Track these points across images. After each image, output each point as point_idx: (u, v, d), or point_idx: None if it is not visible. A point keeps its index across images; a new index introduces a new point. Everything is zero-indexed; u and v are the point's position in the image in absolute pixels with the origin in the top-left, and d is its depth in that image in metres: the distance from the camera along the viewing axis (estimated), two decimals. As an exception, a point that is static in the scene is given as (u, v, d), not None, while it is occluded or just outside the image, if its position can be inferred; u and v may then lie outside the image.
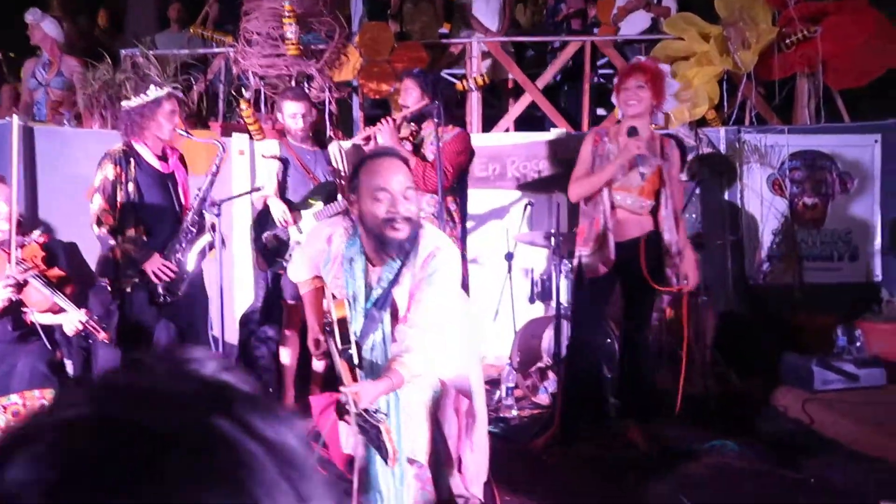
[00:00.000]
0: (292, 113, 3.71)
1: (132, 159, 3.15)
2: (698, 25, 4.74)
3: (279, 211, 3.63)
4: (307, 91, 4.56)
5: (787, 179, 4.66)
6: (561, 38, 5.39)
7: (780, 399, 3.72)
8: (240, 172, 4.53)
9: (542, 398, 3.86)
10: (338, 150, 3.90)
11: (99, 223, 3.15)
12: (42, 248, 3.22)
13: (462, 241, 3.62)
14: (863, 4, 4.76)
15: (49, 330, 3.11)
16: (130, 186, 3.13)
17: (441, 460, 2.13)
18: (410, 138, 3.64)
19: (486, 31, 5.26)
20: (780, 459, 3.07)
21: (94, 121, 4.68)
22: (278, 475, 0.39)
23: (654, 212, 3.18)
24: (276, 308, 3.88)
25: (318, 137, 3.97)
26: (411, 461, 2.01)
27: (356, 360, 1.89)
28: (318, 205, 3.64)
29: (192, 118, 4.82)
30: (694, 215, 4.08)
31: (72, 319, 2.88)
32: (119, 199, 3.12)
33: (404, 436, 1.98)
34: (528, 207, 4.40)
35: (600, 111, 5.42)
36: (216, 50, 5.06)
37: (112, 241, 3.15)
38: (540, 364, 3.96)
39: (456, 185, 3.60)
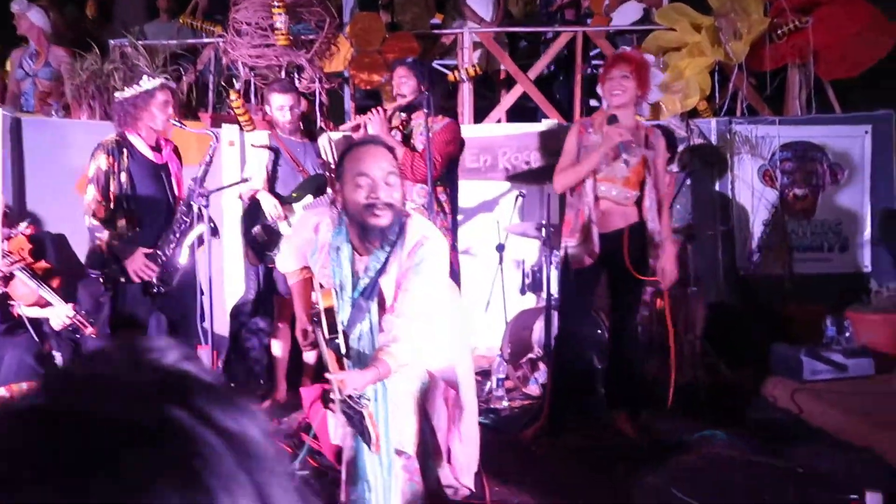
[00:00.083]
0: (280, 105, 3.70)
1: (125, 150, 3.15)
2: (690, 16, 4.74)
3: (270, 205, 3.62)
4: (297, 82, 4.54)
5: (777, 170, 4.67)
6: (553, 29, 5.37)
7: (769, 389, 3.74)
8: (230, 163, 4.51)
9: (533, 389, 3.87)
10: (327, 142, 3.88)
11: (93, 214, 3.15)
12: (29, 240, 3.20)
13: (453, 233, 3.62)
14: (854, -5, 4.77)
15: (36, 322, 3.09)
16: (123, 177, 3.14)
17: (429, 451, 2.13)
18: (400, 128, 3.62)
19: (480, 20, 5.23)
20: (768, 449, 3.08)
21: (83, 111, 4.64)
22: (237, 467, 0.39)
23: (640, 202, 3.18)
24: (268, 300, 3.87)
25: (307, 129, 3.96)
26: (399, 452, 2.01)
27: (343, 350, 1.88)
28: (308, 198, 3.62)
29: (181, 109, 4.79)
30: (679, 206, 4.07)
31: (59, 314, 2.87)
32: (112, 189, 3.12)
33: (392, 426, 1.98)
34: (520, 198, 4.40)
35: (593, 102, 5.41)
36: (206, 40, 5.02)
37: (101, 233, 3.13)
38: (531, 355, 3.97)
39: (446, 176, 3.59)
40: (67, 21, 5.54)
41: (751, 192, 4.69)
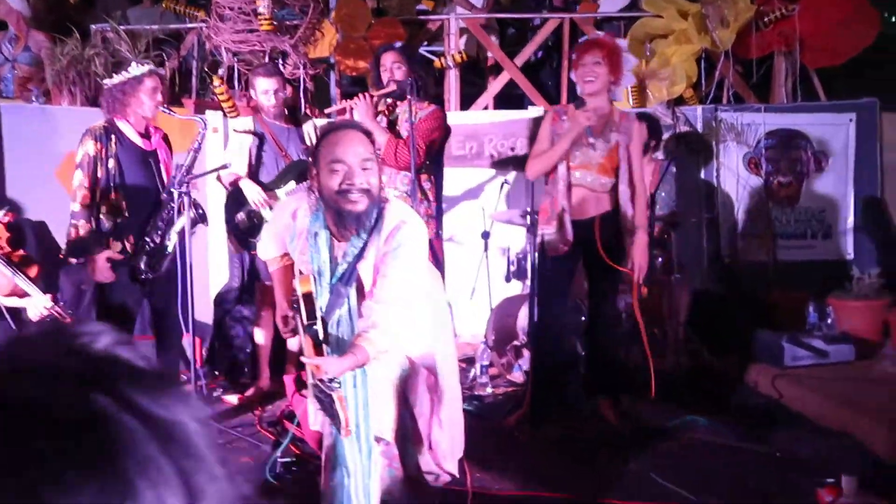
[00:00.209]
0: (264, 89, 3.67)
1: (114, 136, 3.15)
2: (677, 3, 4.72)
3: (254, 192, 3.59)
4: (281, 67, 4.49)
5: (762, 158, 4.68)
6: (540, 16, 5.34)
7: (751, 375, 3.77)
8: (213, 150, 4.47)
9: (517, 376, 3.88)
10: (313, 128, 3.85)
11: (79, 201, 3.14)
12: (7, 228, 3.16)
13: (438, 220, 3.60)
14: (840, -18, 4.77)
15: (15, 312, 3.06)
16: (111, 163, 3.13)
17: (408, 437, 2.13)
18: (386, 112, 3.60)
19: (470, 6, 5.20)
20: (748, 435, 3.11)
21: (64, 97, 4.58)
22: (159, 453, 0.38)
23: (616, 189, 3.18)
24: (252, 288, 3.86)
25: (292, 115, 3.93)
26: (378, 439, 2.01)
27: (321, 336, 1.88)
28: (291, 184, 3.60)
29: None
30: (664, 193, 4.08)
31: (36, 304, 2.84)
32: (100, 175, 3.11)
33: (371, 413, 1.98)
34: (505, 186, 4.40)
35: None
36: (189, 25, 4.96)
37: (78, 220, 3.10)
38: (515, 342, 3.98)
39: (432, 164, 3.57)
40: (47, 4, 5.45)
41: (736, 179, 4.70)
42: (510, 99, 5.24)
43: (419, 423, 2.19)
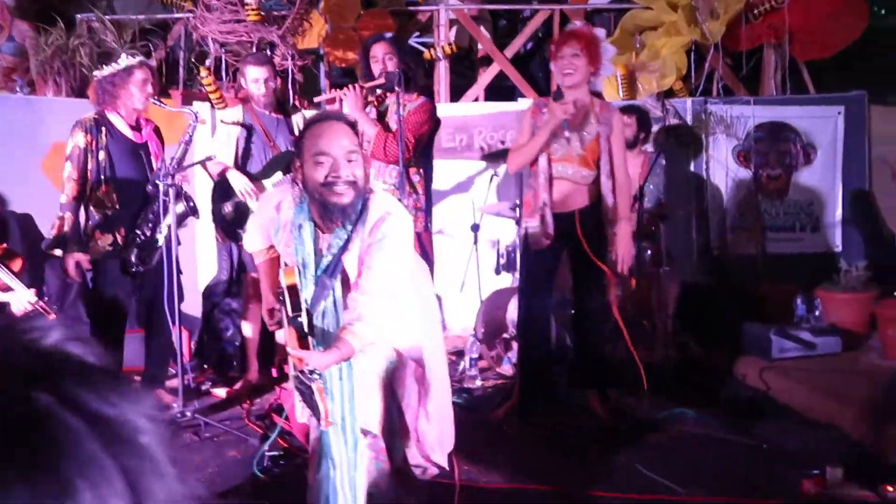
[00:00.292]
0: (255, 78, 3.64)
1: (104, 128, 3.14)
2: (667, -5, 4.71)
3: (241, 183, 3.57)
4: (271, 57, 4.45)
5: (752, 151, 4.69)
6: (530, 7, 5.32)
7: (739, 368, 3.79)
8: (201, 142, 4.43)
9: (507, 369, 3.88)
10: (301, 120, 3.82)
11: (69, 192, 3.13)
12: (-10, 219, 3.12)
13: (427, 213, 3.58)
14: (830, -25, 4.77)
15: (-1, 304, 3.02)
16: (101, 155, 3.13)
17: (395, 430, 2.13)
18: (375, 103, 3.57)
19: (463, -2, 5.16)
20: (736, 427, 3.12)
21: (48, 88, 4.53)
22: (102, 451, 0.37)
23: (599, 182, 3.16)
24: (241, 280, 3.84)
25: (281, 106, 3.89)
26: (364, 431, 2.00)
27: (306, 328, 1.87)
28: (279, 175, 3.58)
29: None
30: (652, 186, 4.08)
31: (20, 299, 2.81)
32: (90, 167, 3.10)
33: (357, 406, 1.97)
34: (495, 178, 4.38)
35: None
36: (176, 15, 4.90)
37: (63, 213, 3.08)
38: (504, 335, 3.97)
39: (421, 156, 3.55)
40: (32, -6, 5.38)
41: (725, 172, 4.71)
42: (500, 90, 5.22)
43: (406, 415, 2.18)
